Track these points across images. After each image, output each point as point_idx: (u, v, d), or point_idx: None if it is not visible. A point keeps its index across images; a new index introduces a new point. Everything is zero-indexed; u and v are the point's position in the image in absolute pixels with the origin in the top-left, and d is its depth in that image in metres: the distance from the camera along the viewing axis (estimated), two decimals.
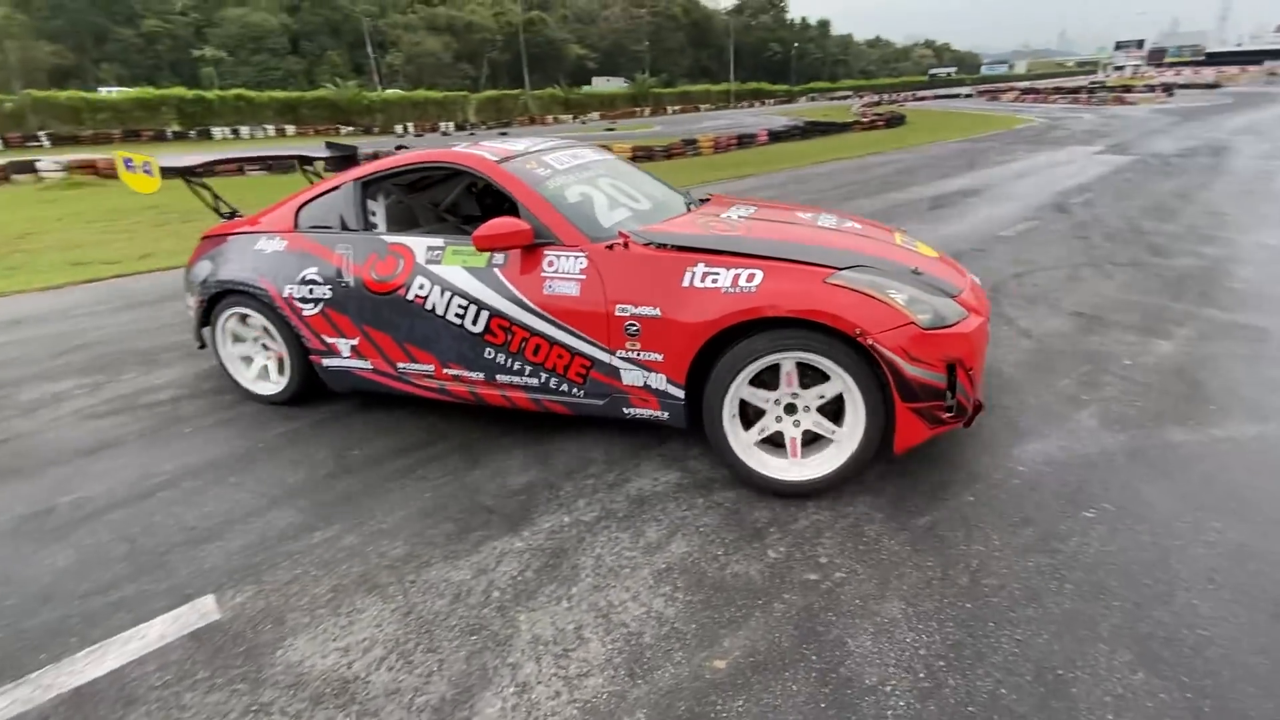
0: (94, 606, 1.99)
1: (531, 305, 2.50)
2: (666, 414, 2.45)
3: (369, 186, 3.01)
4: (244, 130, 34.28)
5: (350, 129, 36.35)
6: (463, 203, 3.60)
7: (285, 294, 2.97)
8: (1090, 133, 16.85)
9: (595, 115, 47.00)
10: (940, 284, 2.39)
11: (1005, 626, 1.77)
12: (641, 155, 14.95)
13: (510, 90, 51.52)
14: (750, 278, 2.22)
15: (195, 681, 1.72)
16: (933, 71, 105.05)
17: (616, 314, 2.37)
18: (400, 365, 2.87)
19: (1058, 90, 38.39)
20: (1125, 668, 1.64)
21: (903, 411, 2.15)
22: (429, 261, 2.69)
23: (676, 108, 52.58)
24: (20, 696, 1.69)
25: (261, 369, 3.28)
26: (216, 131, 33.22)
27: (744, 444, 2.35)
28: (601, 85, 61.95)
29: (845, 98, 55.59)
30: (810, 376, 2.26)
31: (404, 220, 3.30)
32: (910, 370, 2.10)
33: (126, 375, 3.76)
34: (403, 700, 1.63)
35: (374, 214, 3.03)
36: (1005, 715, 1.53)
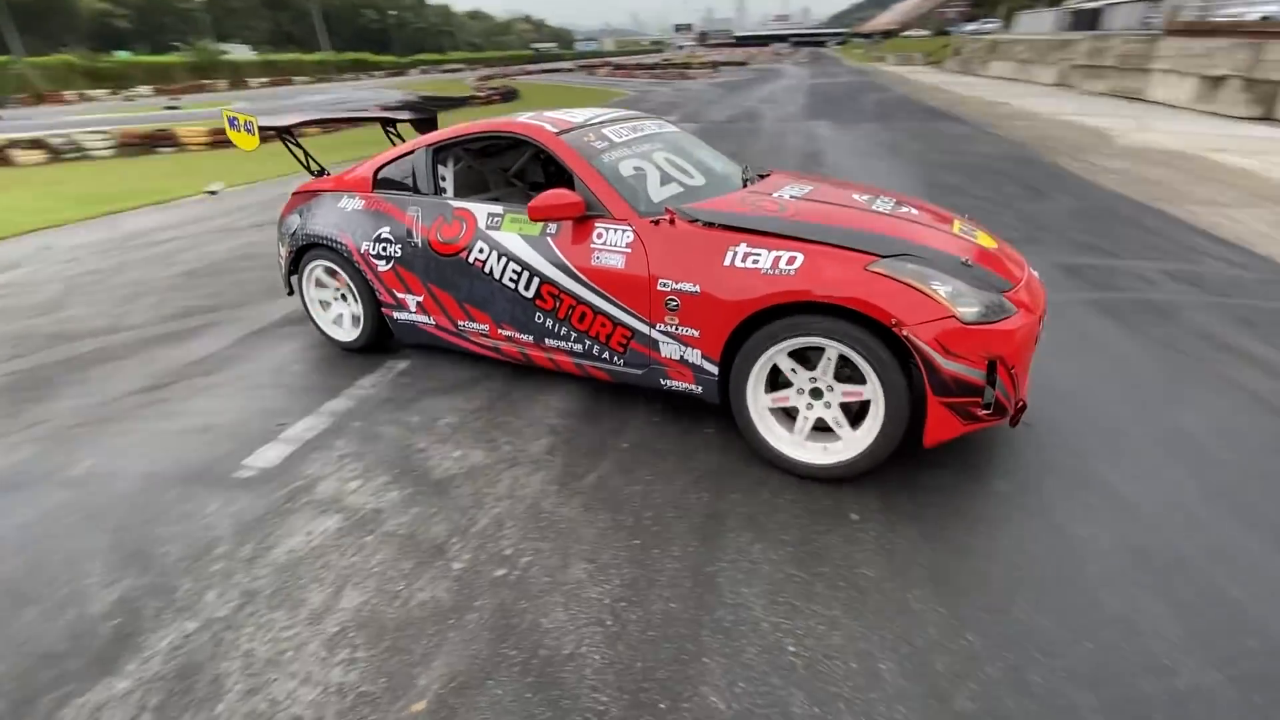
0: None
1: (579, 274, 2.65)
2: (700, 389, 2.58)
3: (439, 152, 3.24)
4: None
5: None
6: (529, 169, 3.74)
7: (362, 250, 3.25)
8: (668, 104, 20.29)
9: (145, 89, 37.35)
10: (990, 277, 2.32)
11: (666, 547, 2.09)
12: (223, 142, 12.49)
13: None
14: (791, 260, 2.25)
15: None
16: (535, 46, 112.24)
17: (658, 288, 2.48)
18: (460, 323, 3.12)
19: (640, 66, 45.08)
20: (746, 543, 2.10)
21: (934, 405, 2.15)
22: (489, 227, 2.90)
23: (264, 80, 45.26)
24: None
25: (340, 317, 3.60)
26: None
27: (759, 407, 2.43)
28: (242, 53, 48.70)
29: (457, 70, 55.55)
30: (849, 371, 2.27)
31: (473, 185, 3.55)
32: (946, 365, 2.09)
33: None
34: None
35: (443, 178, 3.26)
36: (677, 624, 1.81)
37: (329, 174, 3.75)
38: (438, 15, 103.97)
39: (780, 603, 1.88)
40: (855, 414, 2.33)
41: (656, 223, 2.55)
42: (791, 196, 2.82)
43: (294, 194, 3.70)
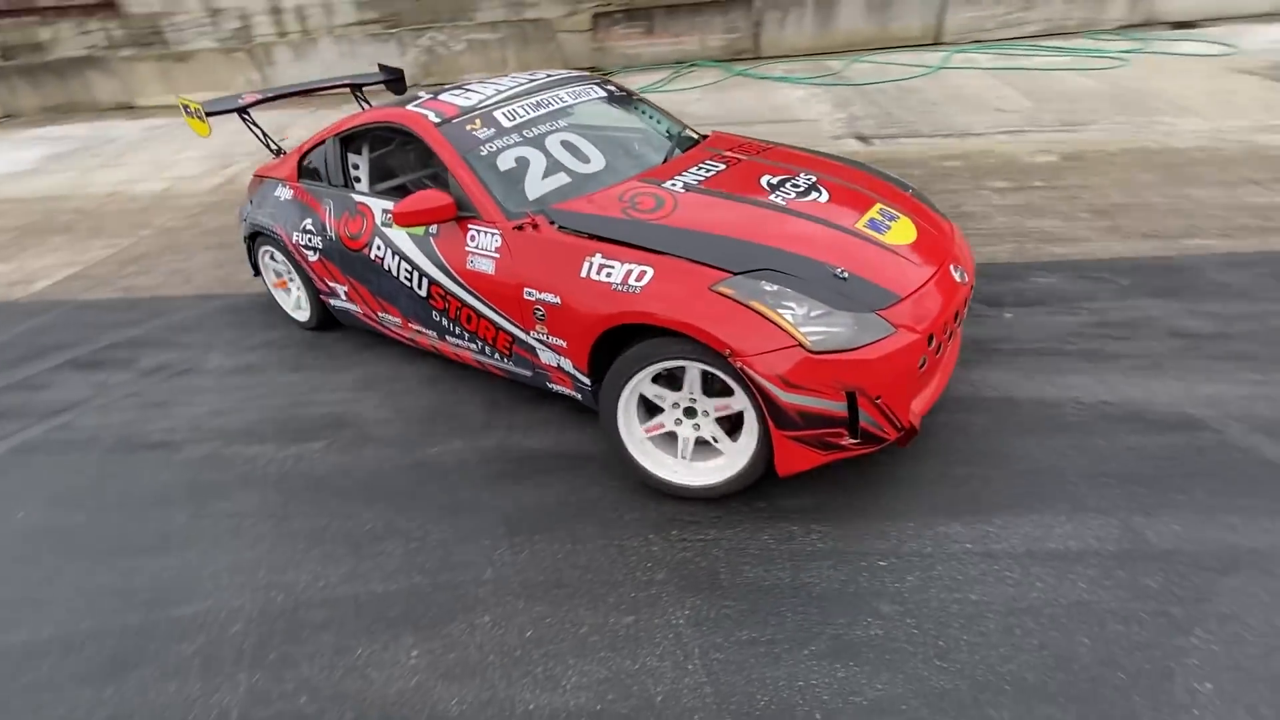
0: None
1: (458, 279, 2.64)
2: (580, 395, 2.58)
3: (348, 141, 3.28)
4: None
5: None
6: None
7: (293, 240, 3.39)
8: None
9: None
10: (870, 292, 2.09)
11: None
12: None
13: None
14: (641, 275, 2.15)
15: None
16: None
17: (525, 297, 2.43)
18: (379, 314, 3.20)
19: None
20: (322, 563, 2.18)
21: (778, 437, 2.04)
22: (383, 224, 2.92)
23: None
24: None
25: (298, 300, 3.77)
26: None
27: (636, 439, 2.35)
28: None
29: None
30: (719, 387, 2.17)
31: (389, 172, 3.55)
32: (785, 398, 1.95)
33: None
34: None
35: (356, 167, 3.32)
36: None
37: (286, 154, 3.79)
38: None
39: None
40: (731, 427, 2.25)
41: (520, 227, 2.48)
42: (684, 186, 2.61)
43: (254, 176, 3.82)
